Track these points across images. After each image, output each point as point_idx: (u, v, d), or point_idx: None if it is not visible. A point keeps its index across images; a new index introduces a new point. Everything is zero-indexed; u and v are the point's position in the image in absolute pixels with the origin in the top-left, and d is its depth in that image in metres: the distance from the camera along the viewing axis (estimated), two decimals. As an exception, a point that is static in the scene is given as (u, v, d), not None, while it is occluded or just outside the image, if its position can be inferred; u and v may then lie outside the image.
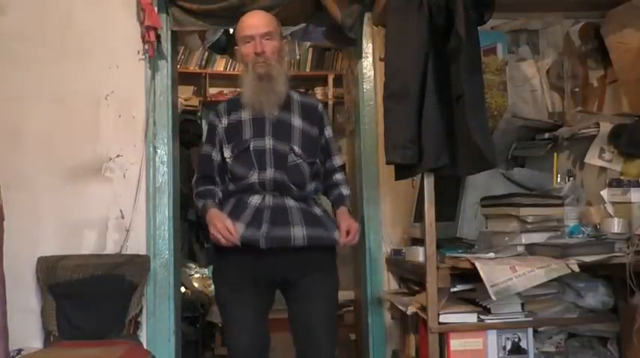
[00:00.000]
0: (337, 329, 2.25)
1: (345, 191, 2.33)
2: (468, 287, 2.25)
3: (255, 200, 2.14)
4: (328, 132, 2.35)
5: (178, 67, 3.73)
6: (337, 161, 2.37)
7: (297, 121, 2.24)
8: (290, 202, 2.15)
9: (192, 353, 3.22)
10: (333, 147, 2.37)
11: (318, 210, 2.22)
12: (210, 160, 2.28)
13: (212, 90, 5.44)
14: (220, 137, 2.26)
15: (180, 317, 2.98)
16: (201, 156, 2.34)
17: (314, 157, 2.26)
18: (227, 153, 2.22)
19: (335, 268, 2.25)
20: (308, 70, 5.44)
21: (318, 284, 2.16)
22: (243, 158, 2.18)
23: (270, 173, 2.14)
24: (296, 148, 2.19)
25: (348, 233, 2.19)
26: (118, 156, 2.83)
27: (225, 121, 2.27)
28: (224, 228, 2.07)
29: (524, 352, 2.22)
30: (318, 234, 2.14)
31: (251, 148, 2.17)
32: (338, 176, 2.36)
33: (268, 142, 2.18)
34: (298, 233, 2.10)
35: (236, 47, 2.29)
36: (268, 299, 2.23)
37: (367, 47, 3.02)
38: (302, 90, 4.75)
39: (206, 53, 5.21)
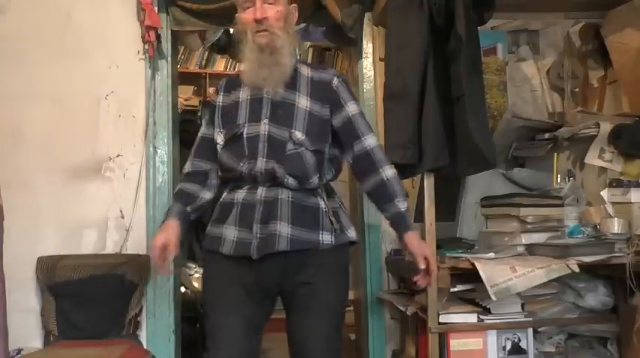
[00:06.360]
0: (340, 347, 1.91)
1: (403, 205, 1.90)
2: (468, 287, 2.25)
3: (241, 194, 1.86)
4: (352, 107, 1.93)
5: (178, 67, 3.72)
6: (370, 140, 1.92)
7: (302, 101, 1.89)
8: (283, 194, 1.84)
9: (192, 353, 3.21)
10: (361, 123, 1.93)
11: (320, 203, 1.89)
12: (211, 144, 1.94)
13: (212, 91, 5.44)
14: (216, 118, 1.95)
15: (180, 317, 2.97)
16: (198, 140, 2.00)
17: (322, 144, 1.89)
18: (219, 139, 1.92)
19: (342, 273, 1.92)
20: (308, 69, 5.44)
21: (319, 295, 1.84)
22: (234, 146, 1.88)
23: (260, 163, 1.83)
24: (298, 134, 1.85)
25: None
26: (117, 156, 2.83)
27: (221, 99, 1.96)
28: (153, 247, 1.81)
29: (524, 352, 2.22)
30: (301, 236, 1.83)
31: (244, 134, 1.86)
32: (387, 173, 1.92)
33: (263, 128, 1.85)
34: (283, 233, 1.81)
35: (237, 14, 1.95)
36: (264, 311, 1.90)
37: (367, 47, 3.02)
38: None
39: (206, 53, 5.21)
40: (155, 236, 1.86)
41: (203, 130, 2.00)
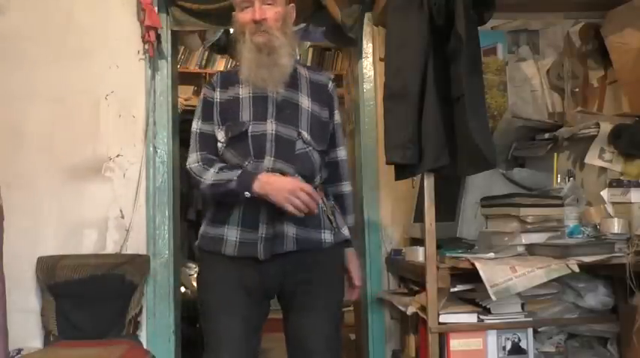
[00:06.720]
0: (340, 346, 1.94)
1: (351, 221, 2.01)
2: (468, 287, 2.25)
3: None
4: (337, 116, 2.00)
5: (178, 67, 3.73)
6: (342, 153, 2.01)
7: (305, 102, 1.90)
8: None
9: (192, 353, 3.21)
10: (340, 135, 2.02)
11: (320, 202, 1.88)
12: (213, 140, 1.89)
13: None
14: (215, 115, 1.91)
15: (180, 317, 2.98)
16: (198, 136, 1.91)
17: (324, 144, 1.93)
18: (219, 137, 1.88)
19: (339, 272, 1.96)
20: (308, 70, 5.43)
21: (320, 293, 1.86)
22: (238, 145, 1.84)
23: (268, 163, 1.81)
24: (305, 134, 1.86)
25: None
26: (118, 155, 2.84)
27: (218, 96, 1.91)
28: (308, 193, 1.72)
29: (524, 352, 2.22)
30: (306, 235, 1.84)
31: (249, 133, 1.83)
32: (347, 188, 2.02)
33: (270, 126, 1.83)
34: (290, 233, 1.81)
35: (233, 13, 1.93)
36: (263, 311, 1.91)
37: (367, 47, 3.02)
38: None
39: (206, 53, 5.20)
40: (299, 188, 1.74)
41: (200, 126, 1.93)
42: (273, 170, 1.81)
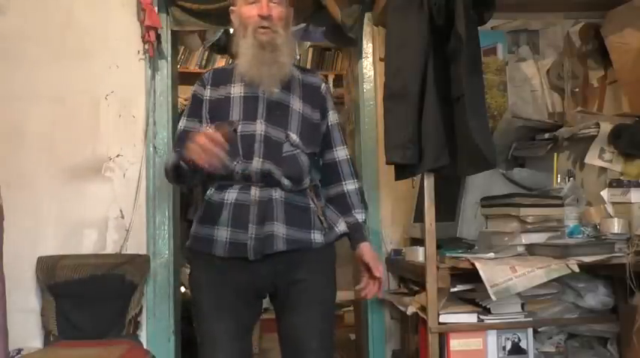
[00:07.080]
0: (333, 345, 1.94)
1: (360, 217, 1.97)
2: (468, 287, 2.25)
3: (232, 194, 1.83)
4: (332, 117, 1.98)
5: (178, 66, 3.72)
6: (340, 153, 1.99)
7: (296, 104, 1.89)
8: (276, 194, 1.83)
9: (192, 353, 3.21)
10: (337, 135, 1.99)
11: (310, 203, 1.91)
12: None
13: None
14: (204, 113, 1.91)
15: (180, 317, 2.98)
16: (180, 134, 1.93)
17: (314, 147, 1.92)
18: None
19: (332, 271, 1.94)
20: (308, 70, 5.43)
21: (313, 292, 1.86)
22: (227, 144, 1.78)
23: (257, 164, 1.81)
24: (293, 136, 1.86)
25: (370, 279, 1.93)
26: (118, 155, 2.84)
27: (208, 93, 1.92)
28: (205, 139, 1.62)
29: (524, 352, 2.22)
30: (296, 235, 1.84)
31: (238, 132, 1.83)
32: (349, 186, 1.98)
33: (259, 127, 1.83)
34: (280, 233, 1.81)
35: (232, 8, 1.94)
36: (255, 311, 1.92)
37: (367, 47, 3.02)
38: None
39: (206, 53, 5.20)
40: (198, 138, 1.64)
41: (185, 124, 1.94)
42: (262, 171, 1.81)
